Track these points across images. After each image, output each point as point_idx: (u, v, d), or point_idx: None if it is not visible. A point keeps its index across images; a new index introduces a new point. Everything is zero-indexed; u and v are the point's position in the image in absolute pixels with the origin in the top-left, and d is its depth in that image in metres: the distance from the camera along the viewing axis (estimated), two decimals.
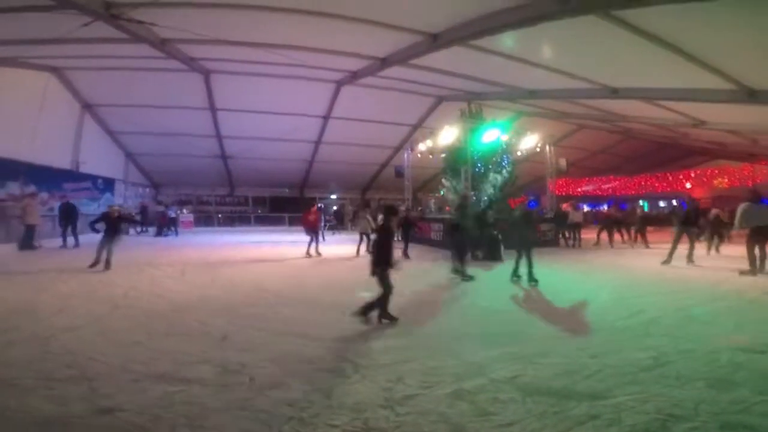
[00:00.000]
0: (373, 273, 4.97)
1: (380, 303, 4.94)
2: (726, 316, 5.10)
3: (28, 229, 11.93)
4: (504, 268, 9.37)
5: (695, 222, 9.87)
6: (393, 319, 4.96)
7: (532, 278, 7.32)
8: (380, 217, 6.26)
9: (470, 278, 7.86)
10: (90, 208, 17.20)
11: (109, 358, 3.73)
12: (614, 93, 11.91)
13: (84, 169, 17.09)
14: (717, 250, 11.59)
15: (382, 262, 4.95)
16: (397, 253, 5.38)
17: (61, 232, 13.01)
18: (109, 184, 19.15)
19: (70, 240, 12.84)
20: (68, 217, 13.00)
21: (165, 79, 14.59)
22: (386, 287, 4.93)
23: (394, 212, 5.51)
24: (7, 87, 12.26)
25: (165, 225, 18.86)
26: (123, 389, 3.10)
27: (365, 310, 4.89)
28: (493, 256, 10.76)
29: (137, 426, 2.60)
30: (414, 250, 13.35)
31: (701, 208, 11.36)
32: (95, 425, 2.61)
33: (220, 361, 3.69)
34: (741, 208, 8.17)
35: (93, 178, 17.79)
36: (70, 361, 3.63)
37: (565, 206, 16.21)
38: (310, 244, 11.45)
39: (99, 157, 18.12)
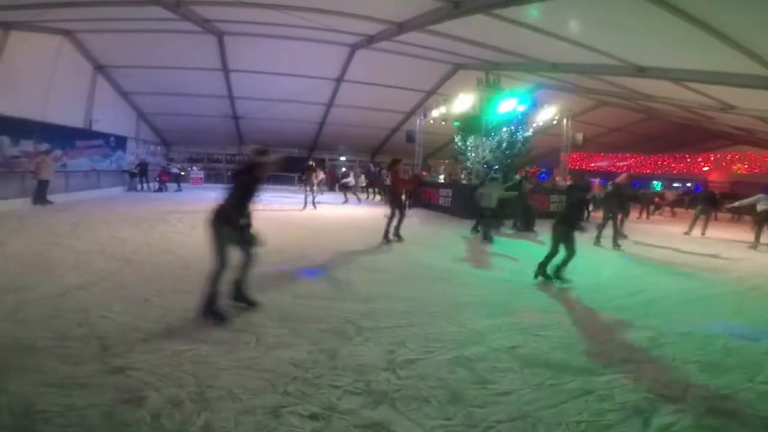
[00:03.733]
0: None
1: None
2: (726, 301, 5.13)
3: (41, 184, 12.16)
4: (532, 240, 9.56)
5: (715, 204, 11.81)
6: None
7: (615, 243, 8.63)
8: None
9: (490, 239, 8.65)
10: (103, 164, 17.45)
11: (120, 316, 3.77)
12: (641, 71, 11.47)
13: (97, 127, 17.18)
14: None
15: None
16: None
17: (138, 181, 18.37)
18: (121, 142, 19.26)
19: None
20: (142, 171, 18.25)
21: (178, 40, 14.34)
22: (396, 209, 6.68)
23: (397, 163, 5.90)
24: (20, 50, 12.15)
25: (166, 181, 19.40)
26: (133, 348, 3.15)
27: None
28: (526, 226, 10.88)
29: (148, 384, 2.65)
30: (421, 215, 13.43)
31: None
32: (108, 384, 2.65)
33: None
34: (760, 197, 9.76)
35: (105, 137, 17.91)
36: (82, 320, 3.65)
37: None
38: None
39: (111, 117, 18.14)
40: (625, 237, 9.70)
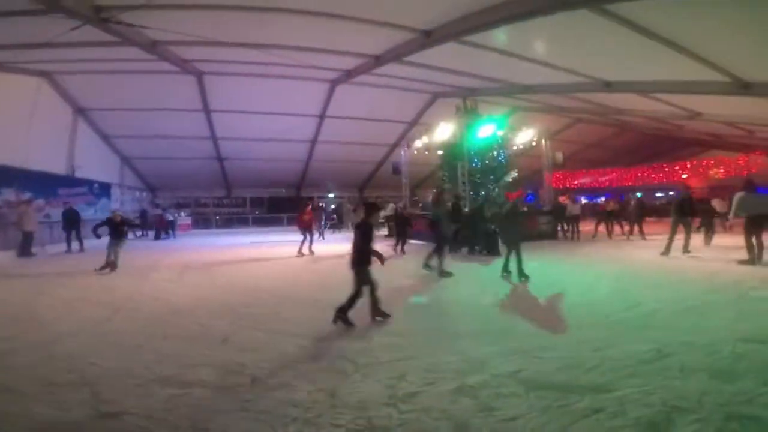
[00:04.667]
0: (354, 270, 4.83)
1: (349, 303, 4.72)
2: (725, 307, 5.08)
3: (26, 236, 11.91)
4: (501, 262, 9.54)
5: (690, 212, 9.62)
6: (349, 324, 4.68)
7: (522, 274, 7.14)
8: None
9: (448, 274, 7.79)
10: (87, 213, 17.13)
11: (111, 363, 3.73)
12: (608, 86, 11.94)
13: (80, 173, 17.01)
14: (707, 242, 11.33)
15: (361, 261, 4.83)
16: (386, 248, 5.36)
17: (65, 237, 13.30)
18: (105, 189, 19.06)
19: (75, 245, 13.22)
20: (72, 222, 13.27)
21: (157, 81, 14.53)
22: (358, 287, 4.74)
23: (375, 209, 5.42)
24: None
25: (163, 228, 18.86)
26: (127, 393, 3.10)
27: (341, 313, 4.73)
28: (490, 250, 10.82)
29: (143, 429, 2.61)
30: (411, 246, 13.40)
31: (698, 198, 11.14)
32: (100, 429, 2.61)
33: (221, 363, 3.69)
34: (737, 197, 8.16)
35: (89, 183, 17.70)
36: (71, 366, 3.62)
37: (562, 198, 16.19)
38: (302, 243, 11.52)
39: (94, 162, 18.04)
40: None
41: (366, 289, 4.81)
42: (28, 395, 3.06)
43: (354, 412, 2.79)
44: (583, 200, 15.41)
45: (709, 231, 11.62)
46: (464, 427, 2.58)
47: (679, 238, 9.44)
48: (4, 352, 3.96)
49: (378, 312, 4.94)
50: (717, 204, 12.63)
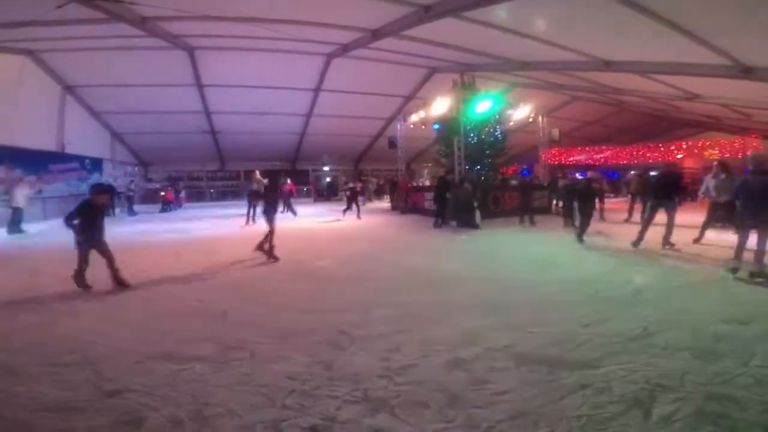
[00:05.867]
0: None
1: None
2: (711, 288, 5.15)
3: (15, 212, 11.74)
4: (485, 235, 9.89)
5: (672, 194, 7.63)
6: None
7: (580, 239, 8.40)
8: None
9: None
10: (81, 188, 16.99)
11: (111, 340, 3.75)
12: (606, 65, 11.81)
13: (70, 150, 16.77)
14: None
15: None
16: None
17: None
18: (96, 164, 18.85)
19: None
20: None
21: (148, 57, 14.15)
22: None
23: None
24: None
25: (170, 201, 19.50)
26: (128, 371, 3.14)
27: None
28: (468, 223, 11.06)
29: (146, 405, 2.65)
30: (410, 219, 13.55)
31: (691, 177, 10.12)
32: (104, 407, 2.64)
33: (220, 338, 3.75)
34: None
35: (80, 159, 17.49)
36: (72, 346, 3.63)
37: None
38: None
39: (85, 138, 17.76)
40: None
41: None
42: (32, 376, 3.08)
43: (350, 384, 2.88)
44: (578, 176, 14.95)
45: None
46: (457, 399, 2.67)
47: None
48: (4, 333, 3.96)
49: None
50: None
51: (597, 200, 11.41)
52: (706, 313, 4.15)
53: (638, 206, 11.37)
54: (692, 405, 2.54)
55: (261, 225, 7.86)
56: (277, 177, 7.83)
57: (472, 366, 3.13)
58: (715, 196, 8.18)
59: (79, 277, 5.52)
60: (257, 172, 13.86)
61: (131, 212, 17.60)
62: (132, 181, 19.90)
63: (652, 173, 11.44)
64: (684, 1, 7.39)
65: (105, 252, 5.60)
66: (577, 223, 8.88)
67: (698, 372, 2.95)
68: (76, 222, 5.45)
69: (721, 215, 8.41)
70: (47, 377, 3.06)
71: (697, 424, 2.36)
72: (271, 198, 7.79)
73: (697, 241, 7.99)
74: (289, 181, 18.04)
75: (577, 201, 8.89)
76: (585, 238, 8.51)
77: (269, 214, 7.32)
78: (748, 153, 17.96)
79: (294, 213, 15.15)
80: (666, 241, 7.58)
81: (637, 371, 2.98)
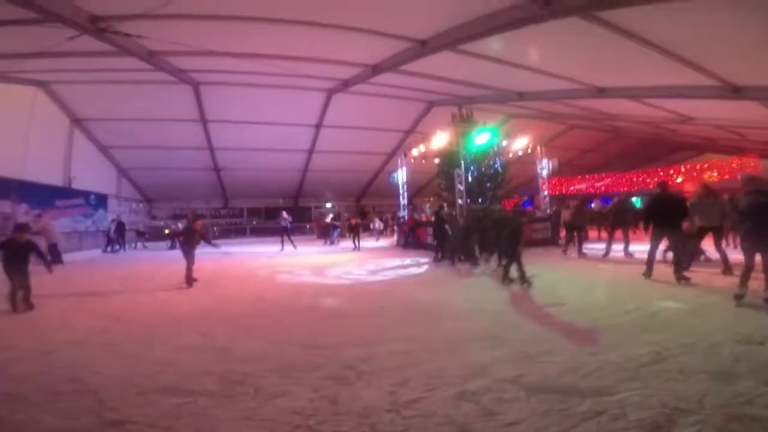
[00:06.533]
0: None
1: None
2: (722, 311, 5.07)
3: (52, 248, 12.05)
4: (484, 268, 9.70)
5: (681, 218, 7.03)
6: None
7: (524, 280, 7.13)
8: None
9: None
10: (84, 225, 17.08)
11: (113, 371, 3.74)
12: (600, 92, 12.07)
13: (76, 184, 16.93)
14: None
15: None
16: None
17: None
18: (101, 200, 19.01)
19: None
20: (120, 231, 17.33)
21: (154, 91, 14.53)
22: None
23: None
24: None
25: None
26: (130, 402, 3.11)
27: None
28: (468, 258, 10.87)
29: None
30: (413, 254, 13.51)
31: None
32: None
33: (223, 372, 3.68)
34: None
35: (85, 195, 17.64)
36: (73, 375, 3.63)
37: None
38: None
39: (91, 173, 17.99)
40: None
41: None
42: (34, 404, 3.07)
43: (356, 419, 2.79)
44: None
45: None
46: (467, 431, 2.59)
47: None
48: (5, 362, 3.98)
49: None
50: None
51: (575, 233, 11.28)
52: (720, 335, 4.07)
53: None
54: (713, 427, 2.47)
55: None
56: (193, 219, 9.78)
57: (481, 398, 3.04)
58: (704, 221, 7.56)
59: (11, 298, 6.31)
60: (284, 212, 17.73)
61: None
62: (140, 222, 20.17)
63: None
64: (671, 27, 7.60)
65: (24, 283, 6.37)
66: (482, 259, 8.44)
67: (717, 394, 2.87)
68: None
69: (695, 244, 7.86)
70: (49, 406, 3.04)
71: None
72: (187, 237, 8.74)
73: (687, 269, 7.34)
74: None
75: (497, 236, 7.98)
76: (512, 279, 7.38)
77: (186, 250, 8.54)
78: (740, 174, 18.04)
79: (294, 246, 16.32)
80: (679, 276, 6.80)
81: (653, 396, 2.89)
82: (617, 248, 10.48)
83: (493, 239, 8.43)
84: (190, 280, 8.37)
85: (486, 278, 8.58)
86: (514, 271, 7.38)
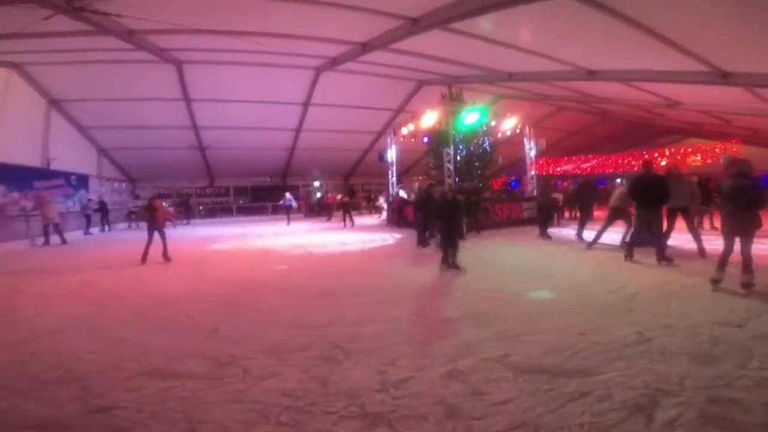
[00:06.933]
0: None
1: None
2: (702, 293, 5.15)
3: (56, 227, 13.12)
4: (473, 247, 9.80)
5: (663, 200, 7.15)
6: None
7: (454, 264, 7.01)
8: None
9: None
10: (65, 205, 16.69)
11: (98, 357, 3.68)
12: (591, 75, 12.02)
13: (56, 165, 16.46)
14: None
15: None
16: None
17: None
18: (82, 180, 18.55)
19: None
20: (103, 210, 17.83)
21: (135, 71, 14.00)
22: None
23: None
24: None
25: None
26: (116, 387, 3.07)
27: None
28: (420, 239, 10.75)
29: (136, 423, 2.59)
30: (400, 232, 13.55)
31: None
32: (93, 424, 2.59)
33: (211, 354, 3.67)
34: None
35: (66, 175, 17.20)
36: (56, 362, 3.57)
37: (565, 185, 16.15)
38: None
39: (70, 154, 17.42)
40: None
41: None
42: (17, 392, 3.02)
43: (346, 399, 2.82)
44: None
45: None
46: (456, 411, 2.63)
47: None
48: None
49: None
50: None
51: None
52: (701, 318, 4.17)
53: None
54: (694, 409, 2.53)
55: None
56: (150, 199, 9.69)
57: (469, 377, 3.09)
58: (671, 201, 7.41)
59: None
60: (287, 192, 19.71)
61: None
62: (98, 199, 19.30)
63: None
64: (663, 10, 7.55)
65: None
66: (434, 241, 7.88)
67: (697, 376, 2.95)
68: None
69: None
70: (33, 394, 3.00)
71: (701, 427, 2.35)
72: (150, 216, 8.96)
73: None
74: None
75: (438, 218, 7.57)
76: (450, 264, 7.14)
77: (159, 230, 8.97)
78: (722, 157, 18.31)
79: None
80: (661, 257, 6.91)
81: (637, 377, 2.96)
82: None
83: (433, 219, 7.97)
84: (166, 255, 8.90)
85: (473, 257, 8.64)
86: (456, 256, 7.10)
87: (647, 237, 7.33)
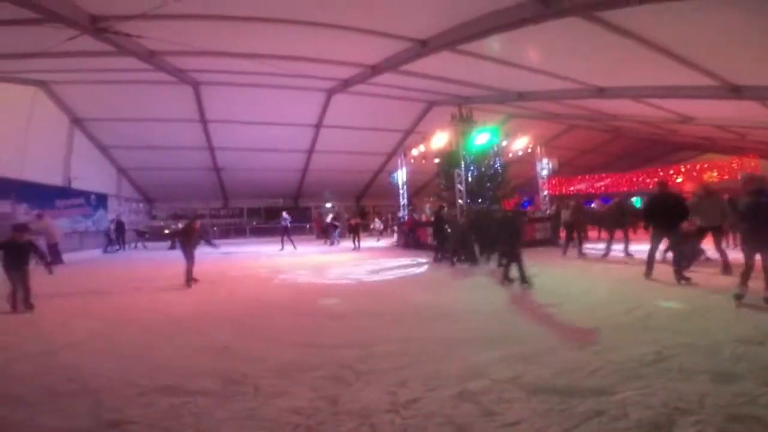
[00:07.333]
0: None
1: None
2: (722, 311, 5.04)
3: (52, 248, 12.22)
4: (484, 269, 9.69)
5: (682, 217, 6.96)
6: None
7: (525, 280, 7.12)
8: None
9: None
10: (84, 225, 17.07)
11: (113, 372, 3.73)
12: (601, 92, 12.06)
13: (76, 184, 16.92)
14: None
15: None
16: None
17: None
18: (102, 200, 19.00)
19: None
20: (119, 230, 17.83)
21: (154, 91, 14.53)
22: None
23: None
24: None
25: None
26: (129, 402, 3.10)
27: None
28: (468, 258, 10.84)
29: None
30: (409, 254, 13.51)
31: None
32: None
33: (222, 372, 3.68)
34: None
35: (86, 195, 17.63)
36: (72, 376, 3.63)
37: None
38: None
39: (91, 173, 17.95)
40: None
41: None
42: (32, 404, 3.07)
43: (356, 419, 2.79)
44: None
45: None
46: (466, 431, 2.58)
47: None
48: (5, 362, 3.98)
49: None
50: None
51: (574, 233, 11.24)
52: (720, 336, 4.06)
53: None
54: (713, 427, 2.46)
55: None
56: (192, 219, 9.50)
57: (480, 398, 3.03)
58: (704, 221, 7.59)
59: (11, 298, 6.35)
60: (284, 213, 18.10)
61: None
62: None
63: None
64: (671, 26, 7.59)
65: (23, 283, 6.38)
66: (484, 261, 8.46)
67: (717, 394, 2.86)
68: None
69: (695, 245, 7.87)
70: (47, 406, 3.04)
71: None
72: (187, 237, 8.72)
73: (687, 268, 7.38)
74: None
75: (498, 237, 7.93)
76: (512, 280, 7.35)
77: (186, 250, 8.55)
78: (740, 174, 18.00)
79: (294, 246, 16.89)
80: (679, 276, 6.76)
81: (654, 395, 2.88)
82: (617, 248, 10.45)
83: (493, 239, 8.35)
84: (189, 280, 8.38)
85: (485, 278, 8.56)
86: (514, 272, 7.36)
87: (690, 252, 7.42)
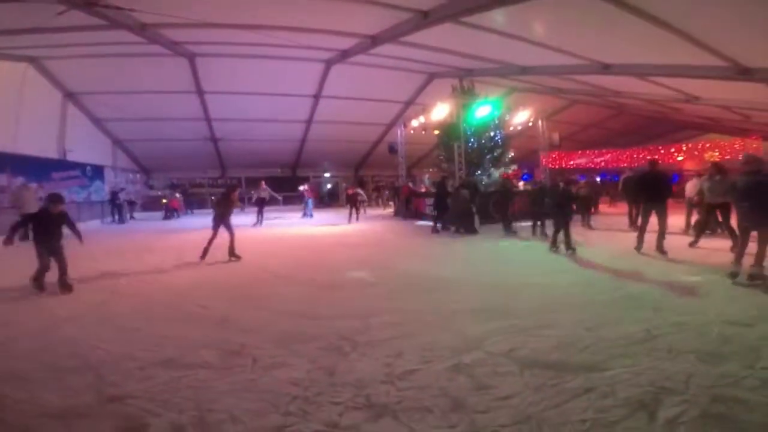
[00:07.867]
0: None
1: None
2: (713, 291, 5.07)
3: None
4: (483, 240, 9.84)
5: (666, 194, 7.47)
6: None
7: (570, 246, 7.77)
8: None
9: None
10: (81, 195, 17.05)
11: (113, 346, 3.76)
12: (606, 69, 11.82)
13: (71, 157, 16.82)
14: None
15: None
16: None
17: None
18: (98, 172, 18.91)
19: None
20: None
21: (148, 64, 14.22)
22: None
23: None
24: None
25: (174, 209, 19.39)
26: (129, 377, 3.14)
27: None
28: (468, 229, 11.06)
29: (148, 411, 2.64)
30: (408, 224, 13.56)
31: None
32: (106, 413, 2.64)
33: (222, 344, 3.74)
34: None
35: (81, 166, 17.57)
36: (73, 351, 3.65)
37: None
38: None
39: (86, 145, 17.83)
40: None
41: None
42: (34, 381, 3.09)
43: (352, 390, 2.86)
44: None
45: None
46: (461, 404, 2.65)
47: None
48: (5, 340, 3.97)
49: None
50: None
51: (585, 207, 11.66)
52: (710, 316, 4.12)
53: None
54: (698, 407, 2.52)
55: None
56: (230, 189, 8.77)
57: (474, 371, 3.11)
58: (710, 197, 7.98)
59: (37, 278, 5.85)
60: (263, 182, 16.44)
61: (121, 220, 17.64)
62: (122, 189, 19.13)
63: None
64: (681, 4, 7.40)
65: (59, 259, 5.86)
66: (549, 231, 8.86)
67: (703, 374, 2.93)
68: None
69: (714, 219, 8.30)
70: (50, 383, 3.06)
71: (703, 426, 2.34)
72: (222, 209, 8.20)
73: (693, 245, 7.97)
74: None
75: (550, 207, 8.51)
76: (560, 247, 7.96)
77: (226, 222, 8.07)
78: (742, 154, 17.90)
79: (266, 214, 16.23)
80: (659, 247, 7.30)
81: (642, 374, 2.95)
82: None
83: (548, 208, 8.76)
84: (233, 252, 8.00)
85: (484, 250, 8.65)
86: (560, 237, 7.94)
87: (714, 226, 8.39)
